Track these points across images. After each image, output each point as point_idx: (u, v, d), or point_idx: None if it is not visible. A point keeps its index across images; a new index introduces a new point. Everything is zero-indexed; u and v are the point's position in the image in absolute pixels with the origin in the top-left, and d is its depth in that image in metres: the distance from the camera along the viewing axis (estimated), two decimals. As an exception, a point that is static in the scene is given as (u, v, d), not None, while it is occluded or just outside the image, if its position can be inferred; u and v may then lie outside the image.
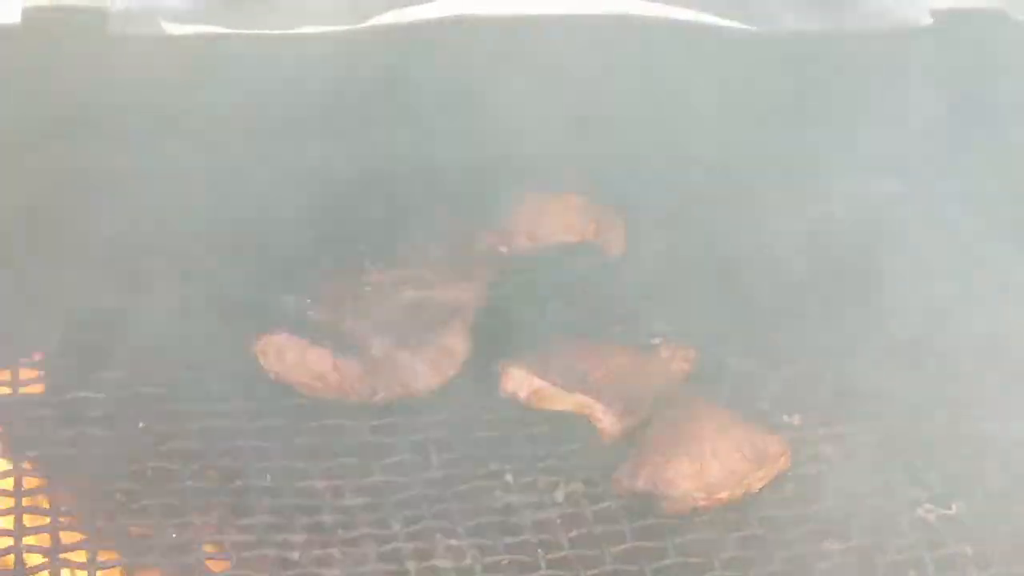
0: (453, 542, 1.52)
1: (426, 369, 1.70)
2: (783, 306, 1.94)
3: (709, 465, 1.58)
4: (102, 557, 1.45)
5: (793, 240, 2.03)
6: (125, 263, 1.83)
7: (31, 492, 1.52)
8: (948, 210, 2.09)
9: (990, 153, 1.97)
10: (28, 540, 1.45)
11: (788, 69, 1.72)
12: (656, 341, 1.84)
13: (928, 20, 1.50)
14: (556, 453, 1.66)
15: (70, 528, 1.48)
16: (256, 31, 1.35)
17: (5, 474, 1.54)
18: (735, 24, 1.47)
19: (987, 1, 1.54)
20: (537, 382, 1.70)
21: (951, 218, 2.09)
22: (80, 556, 1.45)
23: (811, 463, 1.68)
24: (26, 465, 1.56)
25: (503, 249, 1.95)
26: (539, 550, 1.51)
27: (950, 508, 1.63)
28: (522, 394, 1.70)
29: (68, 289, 1.80)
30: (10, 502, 1.50)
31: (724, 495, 1.59)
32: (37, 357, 1.73)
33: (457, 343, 1.74)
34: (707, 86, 1.84)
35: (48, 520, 1.48)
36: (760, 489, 1.62)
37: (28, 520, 1.48)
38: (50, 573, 1.42)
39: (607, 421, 1.67)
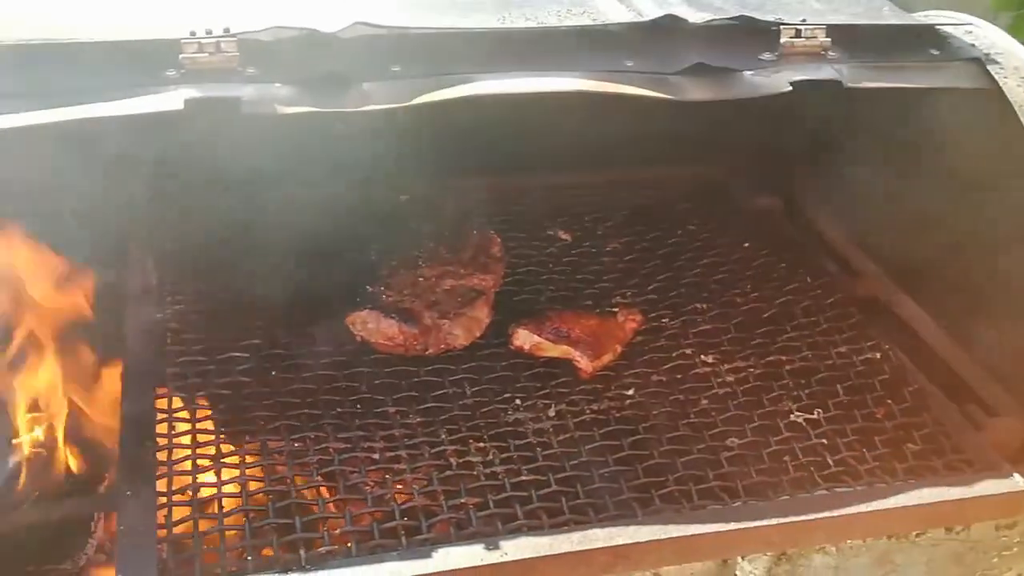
0: (481, 444, 1.54)
1: (461, 332, 1.71)
2: (700, 284, 1.94)
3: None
4: (249, 459, 1.48)
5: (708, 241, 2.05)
6: (267, 268, 1.83)
7: (202, 419, 1.54)
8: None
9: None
10: (200, 451, 1.48)
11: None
12: (615, 309, 1.83)
13: (788, 88, 1.51)
14: (549, 385, 1.67)
15: (227, 441, 1.51)
16: (336, 109, 1.36)
17: (186, 408, 1.56)
18: (659, 95, 1.47)
19: (827, 74, 1.54)
20: (536, 338, 1.71)
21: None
22: (234, 459, 1.48)
23: (720, 388, 1.68)
24: (198, 401, 1.58)
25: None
26: (538, 448, 1.53)
27: (813, 414, 1.63)
28: (526, 347, 1.72)
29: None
30: (187, 426, 1.52)
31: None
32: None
33: (482, 314, 1.75)
34: (641, 134, 1.84)
35: (213, 437, 1.51)
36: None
37: (200, 437, 1.50)
38: (214, 472, 1.45)
39: (583, 363, 1.68)
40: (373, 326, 1.68)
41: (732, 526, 1.37)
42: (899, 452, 1.56)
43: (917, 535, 1.46)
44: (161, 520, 1.34)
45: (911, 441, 1.58)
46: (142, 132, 1.44)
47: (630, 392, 1.66)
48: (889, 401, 1.66)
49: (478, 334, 1.73)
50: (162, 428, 1.50)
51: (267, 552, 1.33)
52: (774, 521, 1.39)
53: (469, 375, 1.67)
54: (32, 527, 1.54)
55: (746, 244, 2.06)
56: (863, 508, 1.42)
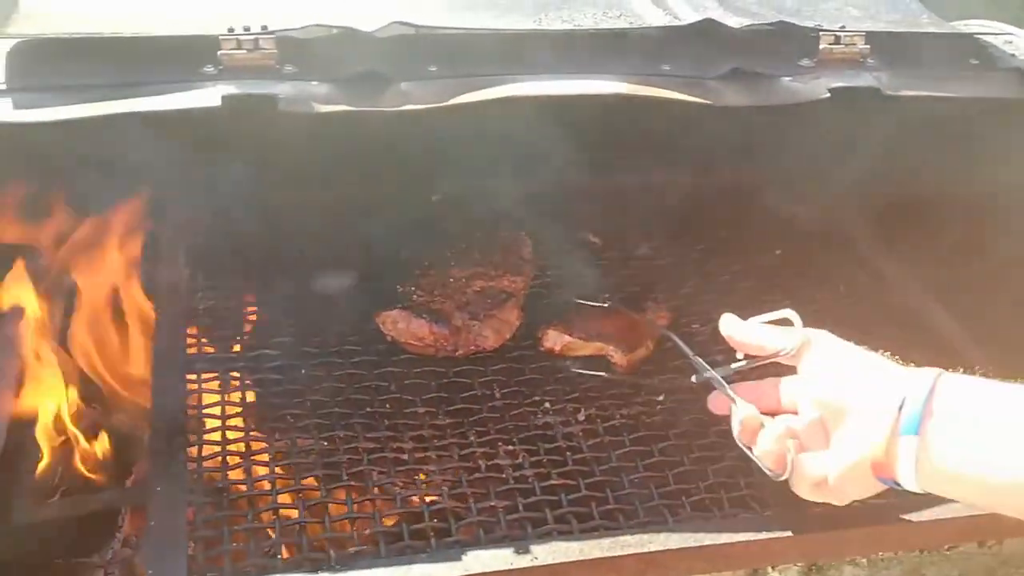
0: (510, 447, 1.53)
1: (491, 333, 1.69)
2: (731, 290, 1.93)
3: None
4: (278, 457, 1.47)
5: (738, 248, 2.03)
6: (297, 265, 1.83)
7: (232, 416, 1.53)
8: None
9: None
10: (230, 447, 1.47)
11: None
12: (646, 308, 1.81)
13: (826, 94, 1.49)
14: (578, 389, 1.65)
15: (256, 438, 1.50)
16: (373, 109, 1.36)
17: (216, 404, 1.55)
18: (696, 99, 1.46)
19: (866, 82, 1.52)
20: (566, 338, 1.70)
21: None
22: (263, 456, 1.47)
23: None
24: (228, 397, 1.57)
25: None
26: (567, 452, 1.52)
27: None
28: (556, 348, 1.70)
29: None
30: (217, 422, 1.52)
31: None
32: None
33: (512, 316, 1.73)
34: (674, 138, 1.82)
35: (243, 434, 1.51)
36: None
37: (230, 434, 1.50)
38: (243, 469, 1.45)
39: (617, 356, 1.67)
40: (403, 326, 1.67)
41: (763, 535, 1.35)
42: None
43: (949, 549, 1.44)
44: (190, 516, 1.34)
45: (944, 454, 1.55)
46: (177, 128, 1.43)
47: (660, 398, 1.65)
48: (923, 413, 1.63)
49: (508, 336, 1.72)
50: (192, 424, 1.49)
51: (296, 551, 1.32)
52: (806, 532, 1.37)
53: (498, 377, 1.66)
54: (60, 520, 1.53)
55: (778, 251, 2.03)
56: (895, 520, 1.40)
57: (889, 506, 1.42)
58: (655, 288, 1.91)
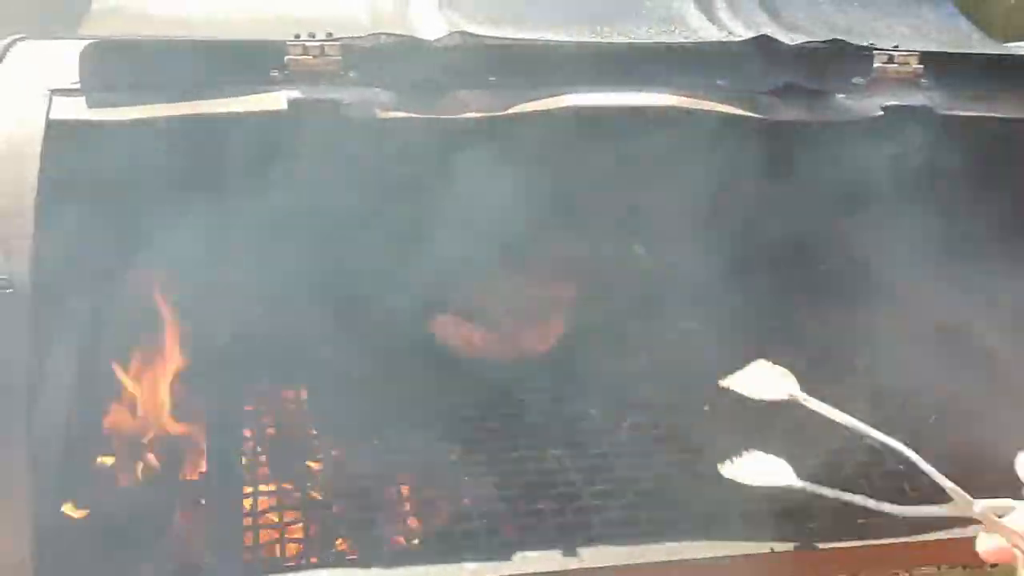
0: (556, 451, 1.54)
1: (539, 340, 1.73)
2: (770, 309, 1.93)
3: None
4: (332, 454, 1.50)
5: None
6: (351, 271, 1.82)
7: (287, 412, 1.57)
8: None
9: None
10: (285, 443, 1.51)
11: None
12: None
13: (879, 112, 1.50)
14: (623, 397, 1.67)
15: (311, 437, 1.53)
16: (434, 116, 1.37)
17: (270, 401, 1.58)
18: (750, 114, 1.47)
19: (919, 101, 1.52)
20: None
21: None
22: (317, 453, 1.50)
23: (796, 408, 1.65)
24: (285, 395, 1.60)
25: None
26: (614, 459, 1.53)
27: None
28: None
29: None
30: (273, 419, 1.54)
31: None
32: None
33: (559, 323, 1.76)
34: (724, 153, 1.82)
35: (296, 431, 1.54)
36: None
37: (284, 431, 1.53)
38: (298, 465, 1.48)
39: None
40: (453, 330, 1.69)
41: (808, 546, 1.36)
42: (977, 480, 1.54)
43: (992, 566, 1.43)
44: (246, 510, 1.36)
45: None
46: (243, 130, 1.45)
47: (706, 408, 1.66)
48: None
49: (555, 342, 1.74)
50: (248, 419, 1.52)
51: (349, 546, 1.34)
52: (848, 544, 1.38)
53: (545, 383, 1.68)
54: (118, 511, 1.55)
55: (822, 267, 2.03)
56: (939, 535, 1.40)
57: (933, 520, 1.42)
58: (701, 300, 1.91)
